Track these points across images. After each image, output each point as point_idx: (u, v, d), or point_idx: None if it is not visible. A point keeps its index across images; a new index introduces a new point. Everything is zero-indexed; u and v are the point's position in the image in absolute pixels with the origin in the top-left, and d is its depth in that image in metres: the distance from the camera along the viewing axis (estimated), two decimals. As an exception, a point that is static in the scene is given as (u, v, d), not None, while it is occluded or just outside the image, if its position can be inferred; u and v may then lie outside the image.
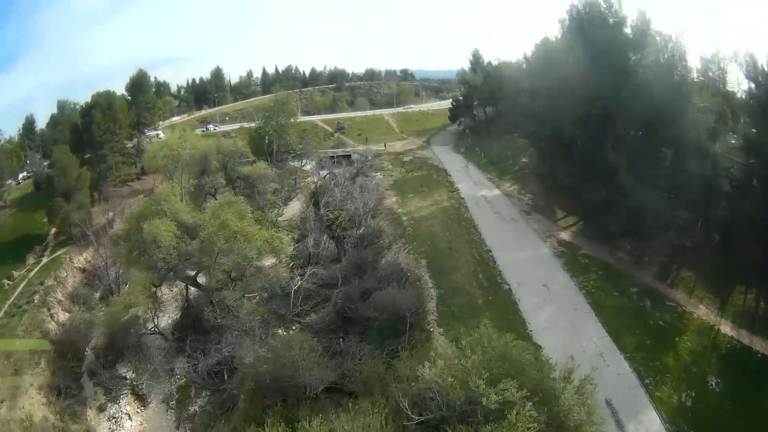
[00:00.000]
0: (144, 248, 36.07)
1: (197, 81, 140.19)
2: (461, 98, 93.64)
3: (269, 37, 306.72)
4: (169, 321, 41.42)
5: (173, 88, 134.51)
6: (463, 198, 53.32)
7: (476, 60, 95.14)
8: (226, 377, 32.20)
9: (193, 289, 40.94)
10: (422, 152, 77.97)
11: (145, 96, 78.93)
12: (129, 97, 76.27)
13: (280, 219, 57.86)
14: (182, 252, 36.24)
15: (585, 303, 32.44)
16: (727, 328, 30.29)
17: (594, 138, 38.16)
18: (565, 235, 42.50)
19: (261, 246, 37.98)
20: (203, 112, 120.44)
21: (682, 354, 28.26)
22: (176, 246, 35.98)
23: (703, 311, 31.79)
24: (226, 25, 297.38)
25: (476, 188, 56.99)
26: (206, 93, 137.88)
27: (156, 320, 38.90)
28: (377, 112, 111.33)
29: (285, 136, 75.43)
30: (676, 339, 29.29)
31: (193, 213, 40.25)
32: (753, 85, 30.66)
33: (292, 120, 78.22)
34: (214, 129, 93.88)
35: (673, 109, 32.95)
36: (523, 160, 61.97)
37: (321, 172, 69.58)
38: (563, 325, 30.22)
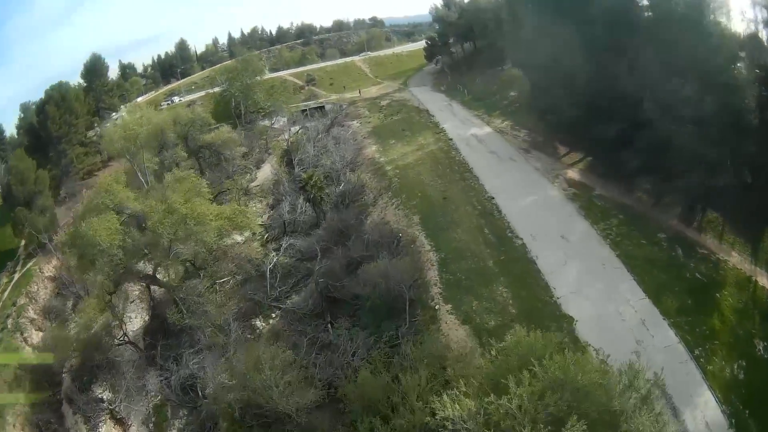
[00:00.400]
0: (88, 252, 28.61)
1: (162, 57, 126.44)
2: (436, 36, 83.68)
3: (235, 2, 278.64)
4: (141, 323, 34.43)
5: (140, 69, 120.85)
6: (451, 139, 44.98)
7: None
8: (200, 393, 25.46)
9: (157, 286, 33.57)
10: (400, 95, 68.56)
11: (101, 80, 74.04)
12: (85, 84, 71.24)
13: (252, 185, 49.71)
14: (129, 249, 28.62)
15: (613, 256, 25.41)
16: (764, 280, 24.05)
17: (601, 66, 30.05)
18: (573, 174, 34.72)
19: (222, 225, 30.53)
20: (170, 86, 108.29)
21: (726, 314, 22.11)
22: (122, 243, 28.30)
23: (736, 259, 25.30)
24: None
25: (464, 127, 48.26)
26: (172, 67, 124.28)
27: (124, 328, 31.63)
28: (348, 59, 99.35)
29: (251, 95, 65.87)
30: (717, 295, 23.02)
31: (141, 199, 32.18)
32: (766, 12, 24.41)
33: (258, 78, 68.52)
34: (180, 100, 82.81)
35: (695, 32, 25.57)
36: (512, 93, 52.54)
37: (292, 128, 59.78)
38: (594, 287, 23.35)
